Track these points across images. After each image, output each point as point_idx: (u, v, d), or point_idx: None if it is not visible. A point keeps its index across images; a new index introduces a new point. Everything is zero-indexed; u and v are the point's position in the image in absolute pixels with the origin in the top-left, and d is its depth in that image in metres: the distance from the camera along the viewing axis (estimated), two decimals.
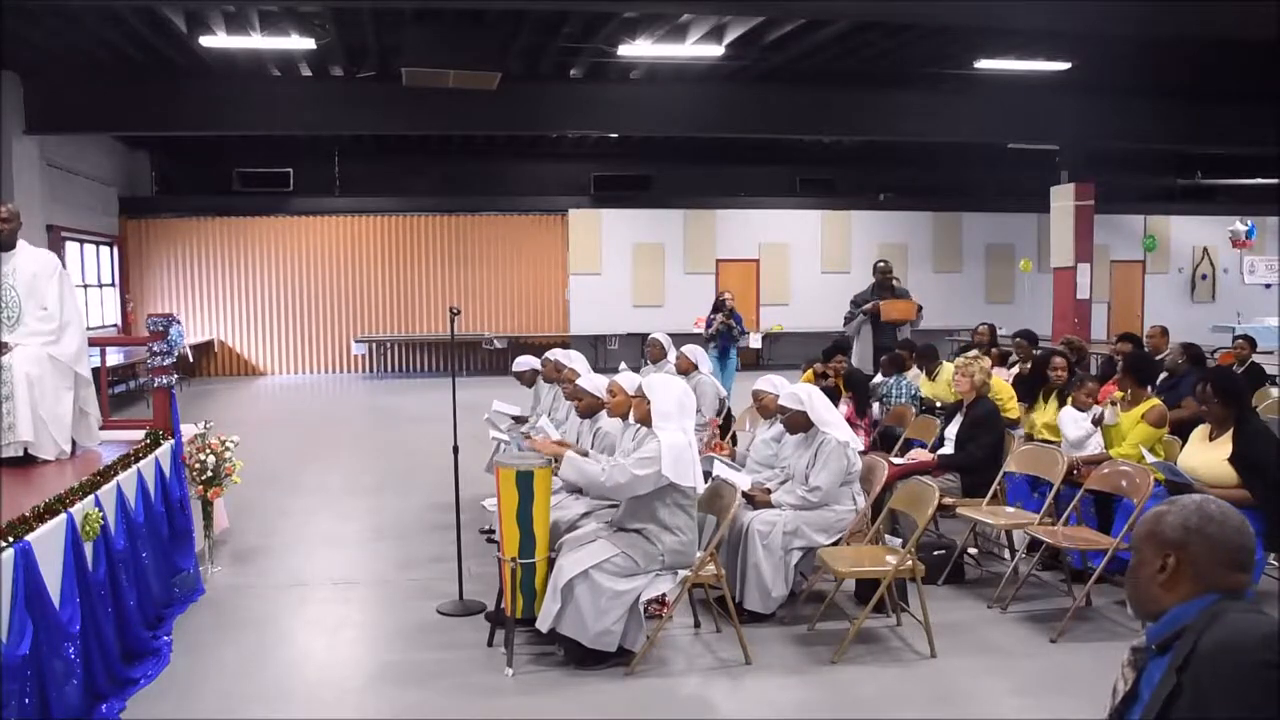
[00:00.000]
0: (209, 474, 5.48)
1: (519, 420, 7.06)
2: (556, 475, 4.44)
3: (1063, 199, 14.25)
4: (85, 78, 11.91)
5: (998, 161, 16.63)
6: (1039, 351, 7.55)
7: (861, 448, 5.45)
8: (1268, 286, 19.60)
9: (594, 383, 5.31)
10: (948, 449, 5.85)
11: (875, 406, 7.22)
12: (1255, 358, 8.72)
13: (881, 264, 9.90)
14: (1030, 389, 6.85)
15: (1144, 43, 10.60)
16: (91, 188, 14.94)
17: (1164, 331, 8.65)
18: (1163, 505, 1.82)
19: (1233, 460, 4.61)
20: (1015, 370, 7.84)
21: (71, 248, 14.17)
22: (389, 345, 17.65)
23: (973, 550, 5.77)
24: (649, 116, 13.46)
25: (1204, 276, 20.21)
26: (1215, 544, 1.73)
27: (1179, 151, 17.76)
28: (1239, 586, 1.74)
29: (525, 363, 7.49)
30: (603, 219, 17.88)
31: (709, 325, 11.23)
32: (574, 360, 6.25)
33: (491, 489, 4.67)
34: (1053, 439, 5.94)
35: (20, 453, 4.73)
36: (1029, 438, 6.15)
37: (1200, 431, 4.93)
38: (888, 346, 8.57)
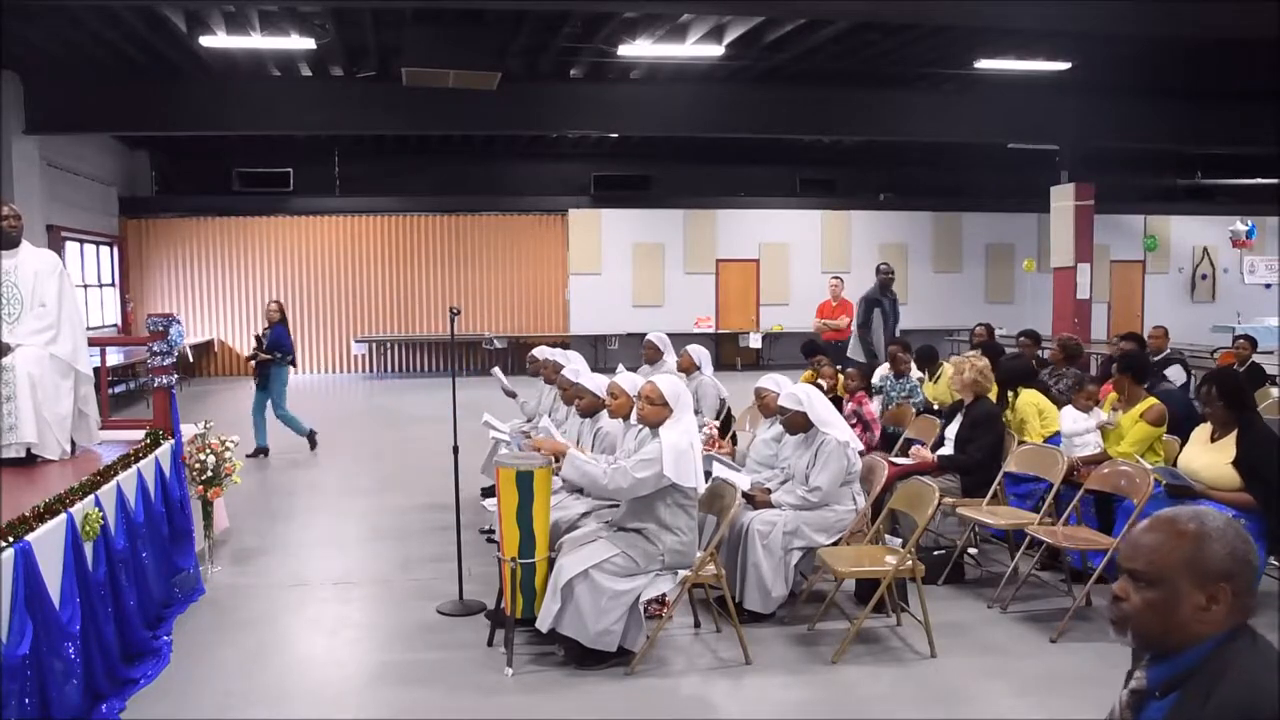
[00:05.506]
0: (209, 474, 5.49)
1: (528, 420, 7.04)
2: (558, 475, 4.44)
3: (1063, 199, 14.25)
4: (85, 78, 11.92)
5: (998, 161, 16.64)
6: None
7: (861, 447, 5.45)
8: (1268, 286, 19.60)
9: (594, 381, 5.31)
10: (948, 449, 5.85)
11: (876, 403, 7.22)
12: (1255, 358, 8.73)
13: (884, 266, 10.60)
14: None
15: (1144, 43, 10.61)
16: (91, 188, 14.94)
17: (1165, 332, 8.66)
18: (1188, 524, 1.65)
19: (1236, 464, 4.56)
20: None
21: (71, 248, 14.18)
22: (389, 345, 17.65)
23: (973, 550, 5.77)
24: (649, 116, 13.47)
25: (1204, 276, 20.21)
26: (1254, 571, 1.65)
27: (1179, 151, 17.76)
28: (1253, 612, 1.65)
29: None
30: (603, 219, 17.88)
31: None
32: (573, 360, 6.24)
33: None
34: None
35: (23, 453, 4.72)
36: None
37: (1201, 432, 4.90)
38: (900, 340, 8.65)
